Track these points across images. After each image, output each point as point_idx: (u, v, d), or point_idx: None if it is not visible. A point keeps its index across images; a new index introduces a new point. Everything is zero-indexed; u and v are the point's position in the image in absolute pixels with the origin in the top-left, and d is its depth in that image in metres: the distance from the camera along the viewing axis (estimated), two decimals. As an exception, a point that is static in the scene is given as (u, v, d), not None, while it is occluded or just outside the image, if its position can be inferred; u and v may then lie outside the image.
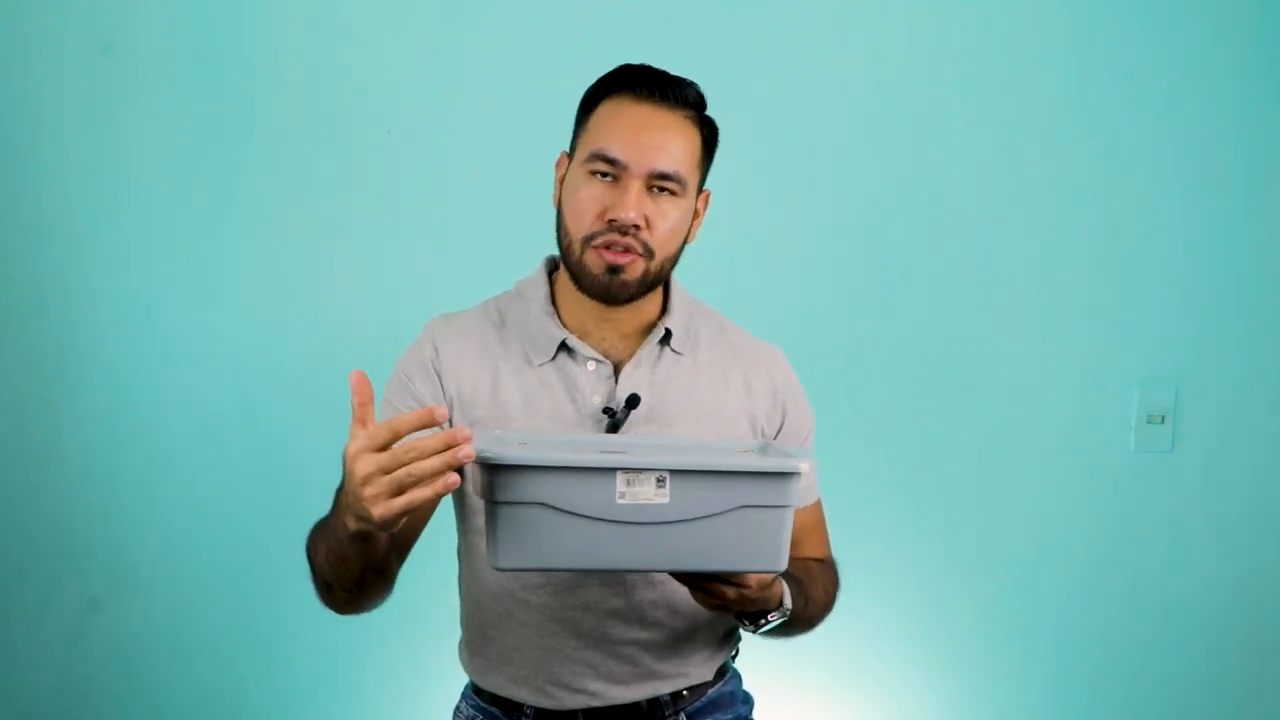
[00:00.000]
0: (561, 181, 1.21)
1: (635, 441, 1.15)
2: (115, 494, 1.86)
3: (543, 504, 0.96)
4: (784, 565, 1.01)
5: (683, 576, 1.06)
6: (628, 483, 0.97)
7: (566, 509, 0.96)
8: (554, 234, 1.22)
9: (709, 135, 1.21)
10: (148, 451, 1.85)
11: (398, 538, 1.14)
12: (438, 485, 0.89)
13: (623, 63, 1.20)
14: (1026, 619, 2.01)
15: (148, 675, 1.89)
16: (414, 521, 1.18)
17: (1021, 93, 1.94)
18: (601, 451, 1.04)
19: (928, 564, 1.98)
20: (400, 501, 0.90)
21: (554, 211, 1.22)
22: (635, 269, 1.16)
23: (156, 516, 1.87)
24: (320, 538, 1.09)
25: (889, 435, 1.95)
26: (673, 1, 1.87)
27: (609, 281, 1.16)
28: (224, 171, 1.83)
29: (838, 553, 1.33)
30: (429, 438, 0.89)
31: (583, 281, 1.18)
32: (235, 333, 1.85)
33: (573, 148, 1.21)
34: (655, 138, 1.15)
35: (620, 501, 0.97)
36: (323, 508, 1.15)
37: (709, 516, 0.98)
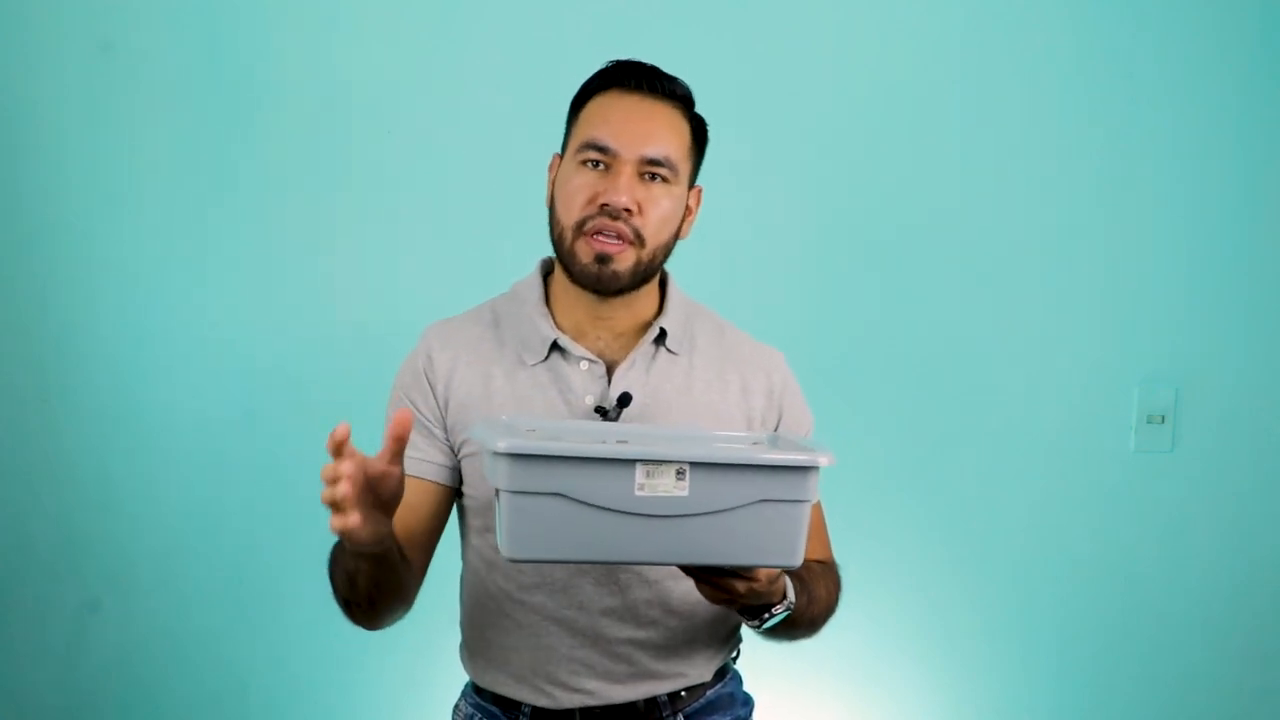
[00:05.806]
0: (554, 181, 1.22)
1: (642, 430, 1.14)
2: (115, 494, 1.85)
3: (559, 494, 0.94)
4: (800, 561, 1.00)
5: (692, 570, 1.05)
6: (647, 474, 0.95)
7: (584, 500, 0.94)
8: (549, 236, 1.22)
9: (698, 130, 1.23)
10: (147, 451, 1.85)
11: (407, 557, 1.15)
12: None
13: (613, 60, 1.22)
14: (1026, 618, 2.01)
15: (148, 675, 1.89)
16: (412, 538, 1.18)
17: (1022, 92, 1.94)
18: (615, 441, 1.02)
19: (928, 564, 1.98)
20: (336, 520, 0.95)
21: (548, 213, 1.22)
22: (625, 259, 1.16)
23: (156, 516, 1.86)
24: (336, 557, 1.13)
25: (889, 435, 1.95)
26: (672, 1, 1.87)
27: (598, 271, 1.16)
28: (224, 171, 1.83)
29: (838, 552, 1.33)
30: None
31: (573, 271, 1.18)
32: (234, 333, 1.84)
33: (564, 147, 1.22)
34: (645, 125, 1.17)
35: (639, 494, 0.95)
36: (320, 507, 1.15)
37: (727, 510, 0.97)
